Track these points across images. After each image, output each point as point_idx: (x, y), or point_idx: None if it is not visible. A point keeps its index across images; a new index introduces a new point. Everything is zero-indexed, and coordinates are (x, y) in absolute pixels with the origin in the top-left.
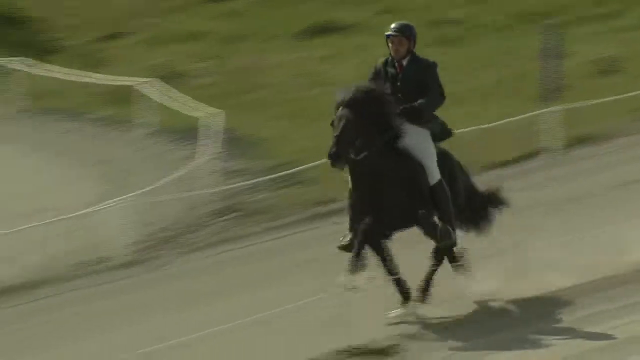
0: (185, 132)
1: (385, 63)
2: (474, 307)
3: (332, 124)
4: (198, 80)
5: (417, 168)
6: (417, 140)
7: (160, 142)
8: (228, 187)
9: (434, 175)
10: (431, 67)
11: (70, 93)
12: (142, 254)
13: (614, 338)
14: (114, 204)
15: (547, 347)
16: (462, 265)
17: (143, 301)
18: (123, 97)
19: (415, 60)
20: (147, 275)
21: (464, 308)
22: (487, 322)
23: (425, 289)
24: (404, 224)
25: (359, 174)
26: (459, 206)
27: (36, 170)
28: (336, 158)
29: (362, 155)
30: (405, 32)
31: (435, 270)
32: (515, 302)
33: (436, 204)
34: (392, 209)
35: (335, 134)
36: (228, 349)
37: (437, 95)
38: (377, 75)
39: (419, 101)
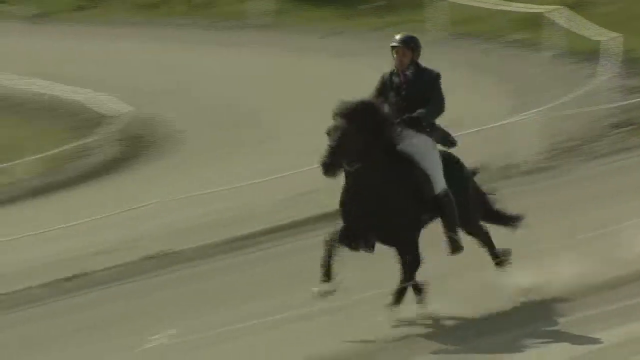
0: (588, 54)
1: (391, 73)
2: (476, 307)
3: (327, 133)
4: (601, 8)
5: (417, 173)
6: (422, 150)
7: (566, 63)
8: (625, 102)
9: (439, 184)
10: (434, 77)
11: (487, 19)
12: (548, 161)
13: (616, 339)
14: (524, 116)
15: (550, 348)
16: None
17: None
18: (534, 22)
19: (419, 70)
20: (552, 180)
21: (464, 308)
22: (488, 323)
23: (417, 289)
24: (406, 231)
25: (354, 183)
26: (473, 212)
27: (455, 84)
28: (329, 168)
29: (356, 166)
30: (409, 44)
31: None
32: (517, 302)
33: (442, 213)
34: (390, 217)
35: (329, 144)
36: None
37: (438, 105)
38: (383, 85)
39: (419, 111)
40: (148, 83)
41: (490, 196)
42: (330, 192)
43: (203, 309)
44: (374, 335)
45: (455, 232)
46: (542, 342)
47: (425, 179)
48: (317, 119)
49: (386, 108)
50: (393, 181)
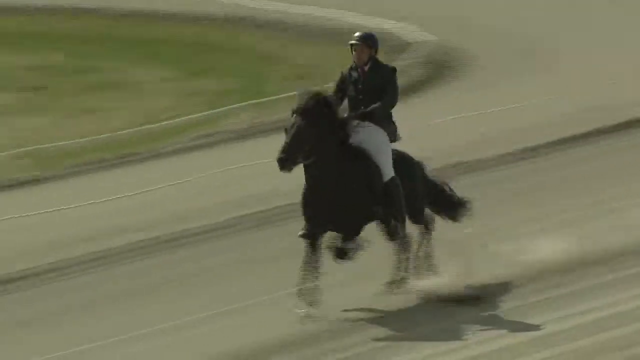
0: None
1: (350, 69)
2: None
3: (284, 130)
4: None
5: (370, 167)
6: (372, 139)
7: None
8: None
9: (387, 172)
10: (390, 72)
11: None
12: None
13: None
14: None
15: (491, 333)
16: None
17: None
18: None
19: (376, 66)
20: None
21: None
22: (432, 308)
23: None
24: (359, 222)
25: (311, 176)
26: (419, 204)
27: None
28: (284, 163)
29: (311, 159)
30: (367, 41)
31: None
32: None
33: (389, 200)
34: (345, 209)
35: (285, 140)
36: None
37: (391, 99)
38: (343, 80)
39: (373, 105)
40: (445, 12)
41: (441, 184)
42: None
43: None
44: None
45: (399, 219)
46: (484, 328)
47: (376, 170)
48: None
49: (340, 103)
50: (346, 174)
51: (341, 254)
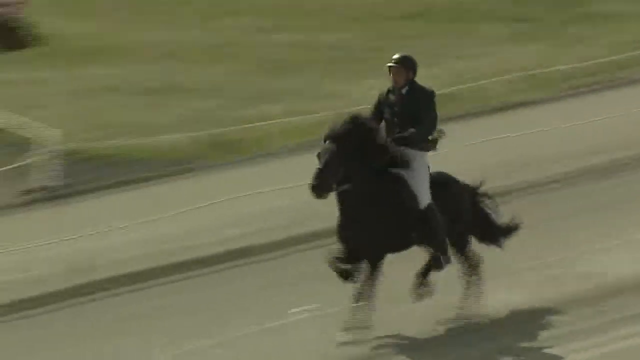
0: None
1: (388, 91)
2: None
3: (317, 156)
4: None
5: (405, 193)
6: (412, 167)
7: None
8: None
9: (424, 199)
10: (428, 96)
11: None
12: None
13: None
14: None
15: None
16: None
17: None
18: None
19: (413, 88)
20: None
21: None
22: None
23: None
24: (393, 249)
25: (343, 202)
26: (464, 230)
27: None
28: (317, 190)
29: (345, 186)
30: (405, 63)
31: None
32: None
33: (426, 229)
34: (376, 236)
35: (317, 167)
36: None
37: (429, 125)
38: (380, 102)
39: (410, 130)
40: None
41: (491, 213)
42: None
43: None
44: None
45: (440, 249)
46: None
47: (411, 195)
48: None
49: (378, 128)
50: (380, 200)
51: (347, 275)
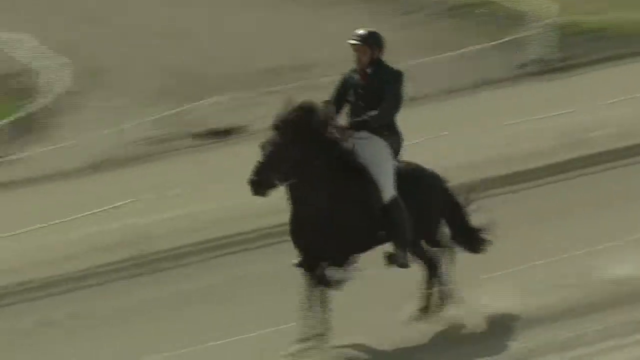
0: None
1: (353, 71)
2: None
3: (260, 147)
4: None
5: (366, 187)
6: (371, 154)
7: None
8: None
9: (387, 192)
10: (394, 76)
11: None
12: None
13: None
14: None
15: None
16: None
17: None
18: None
19: (380, 68)
20: None
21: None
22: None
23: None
24: (350, 249)
25: (294, 199)
26: (434, 224)
27: None
28: (257, 186)
29: (289, 181)
30: (368, 40)
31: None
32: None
33: (389, 223)
34: (333, 235)
35: (258, 160)
36: None
37: (391, 107)
38: (344, 83)
39: (369, 113)
40: None
41: (464, 209)
42: None
43: None
44: None
45: (401, 245)
46: None
47: (373, 190)
48: None
49: (335, 113)
50: (335, 196)
51: (323, 281)
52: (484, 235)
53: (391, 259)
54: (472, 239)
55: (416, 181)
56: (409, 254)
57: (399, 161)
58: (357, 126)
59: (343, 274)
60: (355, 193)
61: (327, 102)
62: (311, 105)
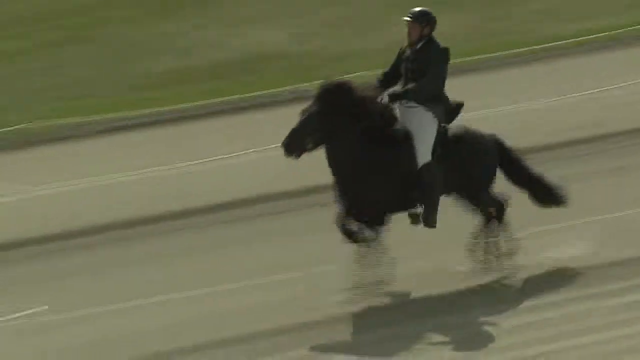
0: None
1: (408, 46)
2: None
3: (300, 114)
4: None
5: (402, 152)
6: (414, 124)
7: None
8: None
9: (422, 157)
10: (439, 52)
11: None
12: None
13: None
14: None
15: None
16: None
17: None
18: None
19: (428, 44)
20: None
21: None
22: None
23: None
24: (392, 208)
25: (331, 162)
26: (479, 189)
27: None
28: (288, 149)
29: (321, 147)
30: (419, 19)
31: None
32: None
33: (420, 185)
34: (365, 197)
35: (293, 127)
36: None
37: (428, 83)
38: (398, 57)
39: (407, 86)
40: None
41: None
42: None
43: None
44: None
45: (429, 210)
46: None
47: (406, 154)
48: None
49: (370, 90)
50: (366, 161)
51: (353, 237)
52: (560, 191)
53: (419, 219)
54: (549, 195)
55: (467, 145)
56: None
57: (446, 128)
58: (393, 98)
59: (374, 232)
60: (389, 157)
61: (375, 80)
62: (348, 82)
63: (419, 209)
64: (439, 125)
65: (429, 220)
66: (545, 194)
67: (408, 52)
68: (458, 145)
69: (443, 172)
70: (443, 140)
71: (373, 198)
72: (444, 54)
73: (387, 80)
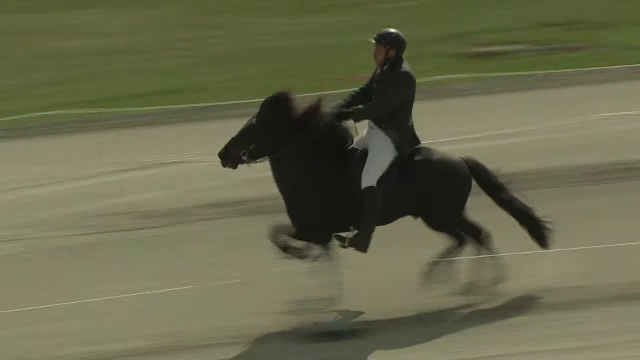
0: None
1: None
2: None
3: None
4: None
5: (347, 172)
6: (369, 145)
7: None
8: None
9: (367, 181)
10: (397, 77)
11: None
12: None
13: None
14: None
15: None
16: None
17: None
18: None
19: (393, 66)
20: None
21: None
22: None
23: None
24: (328, 227)
25: (274, 175)
26: (447, 216)
27: None
28: (222, 158)
29: (259, 159)
30: (381, 41)
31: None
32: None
33: (360, 208)
34: (306, 212)
35: (232, 136)
36: None
37: (377, 105)
38: (372, 76)
39: (355, 106)
40: None
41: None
42: None
43: None
44: None
45: (363, 231)
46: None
47: (354, 175)
48: None
49: (315, 105)
50: (311, 177)
51: (287, 250)
52: (546, 227)
53: (350, 242)
54: (534, 230)
55: (432, 167)
56: (370, 241)
57: (411, 149)
58: (339, 116)
59: (313, 250)
60: (334, 176)
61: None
62: (288, 94)
63: (352, 233)
64: (397, 151)
65: (360, 244)
66: (529, 229)
67: (378, 72)
68: (422, 168)
69: (404, 194)
70: (405, 163)
71: (311, 215)
72: (402, 77)
73: (357, 98)
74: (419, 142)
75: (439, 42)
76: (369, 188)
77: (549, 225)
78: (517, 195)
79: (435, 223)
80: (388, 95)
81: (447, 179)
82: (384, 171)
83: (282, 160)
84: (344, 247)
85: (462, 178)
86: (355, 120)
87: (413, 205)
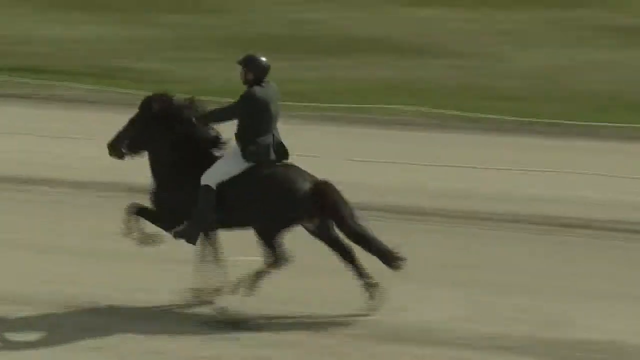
0: None
1: None
2: None
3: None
4: None
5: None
6: (225, 153)
7: None
8: None
9: (205, 179)
10: (242, 95)
11: None
12: None
13: None
14: None
15: None
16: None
17: None
18: None
19: (249, 87)
20: None
21: None
22: None
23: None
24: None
25: (150, 167)
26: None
27: None
28: (109, 149)
29: (136, 152)
30: (241, 63)
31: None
32: None
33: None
34: (166, 203)
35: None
36: None
37: (217, 114)
38: None
39: (210, 110)
40: None
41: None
42: None
43: None
44: None
45: (192, 224)
46: None
47: (199, 171)
48: None
49: (183, 106)
50: (176, 171)
51: (177, 234)
52: (392, 256)
53: (177, 233)
54: (383, 257)
55: (270, 181)
56: (200, 235)
57: (254, 162)
58: (198, 118)
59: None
60: (193, 174)
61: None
62: (167, 95)
63: (182, 225)
64: (248, 161)
65: (188, 235)
66: (377, 255)
67: None
68: (262, 180)
69: (240, 202)
70: (250, 173)
71: (171, 208)
72: (243, 96)
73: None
74: (285, 158)
75: None
76: (205, 186)
77: (391, 250)
78: (364, 224)
79: (257, 233)
80: (226, 109)
81: (269, 191)
82: (228, 176)
83: (154, 155)
84: (175, 237)
85: (284, 194)
86: (202, 123)
87: (248, 214)
